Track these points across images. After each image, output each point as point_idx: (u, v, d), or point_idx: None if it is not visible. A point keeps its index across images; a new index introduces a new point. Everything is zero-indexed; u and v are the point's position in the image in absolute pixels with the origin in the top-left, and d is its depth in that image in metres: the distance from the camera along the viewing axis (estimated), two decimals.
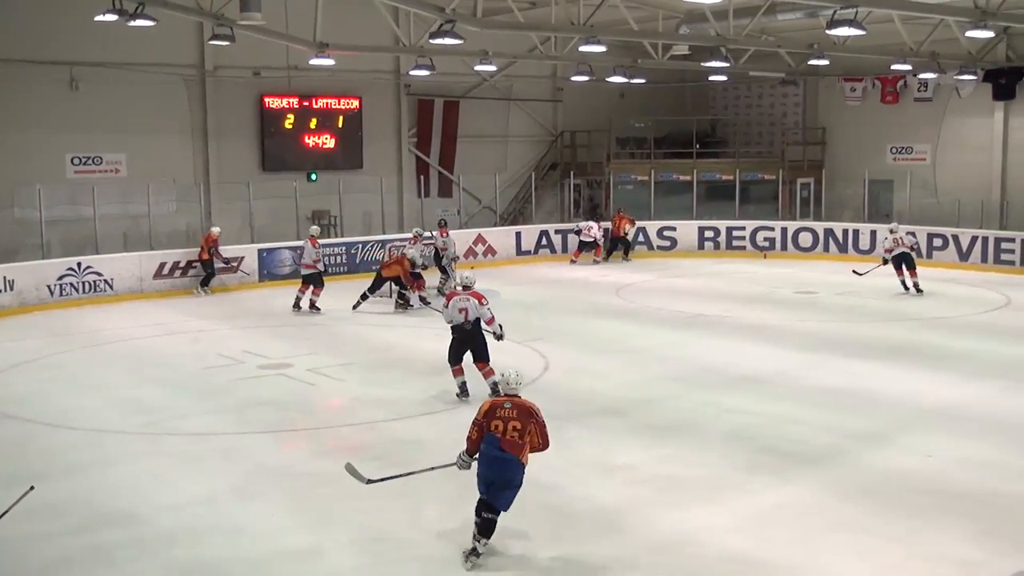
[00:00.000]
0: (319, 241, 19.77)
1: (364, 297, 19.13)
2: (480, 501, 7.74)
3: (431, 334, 16.73)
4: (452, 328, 12.44)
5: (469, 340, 12.39)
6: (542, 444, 7.86)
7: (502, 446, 7.71)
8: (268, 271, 22.91)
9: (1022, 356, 14.77)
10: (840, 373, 13.69)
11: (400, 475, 8.39)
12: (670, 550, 7.90)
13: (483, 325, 12.43)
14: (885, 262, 20.54)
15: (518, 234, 26.71)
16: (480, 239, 26.09)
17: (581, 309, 19.09)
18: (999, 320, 17.98)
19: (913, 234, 21.45)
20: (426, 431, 11.26)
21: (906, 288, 20.20)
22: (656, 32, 23.47)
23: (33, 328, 17.41)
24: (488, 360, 12.40)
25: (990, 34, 19.74)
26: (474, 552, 7.62)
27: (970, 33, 19.44)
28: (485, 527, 7.68)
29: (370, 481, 8.16)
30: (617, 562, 7.74)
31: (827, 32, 18.02)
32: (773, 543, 7.96)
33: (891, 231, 20.70)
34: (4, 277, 19.04)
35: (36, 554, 7.66)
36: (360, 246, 24.26)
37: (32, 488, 6.41)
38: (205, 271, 21.36)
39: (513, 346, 15.55)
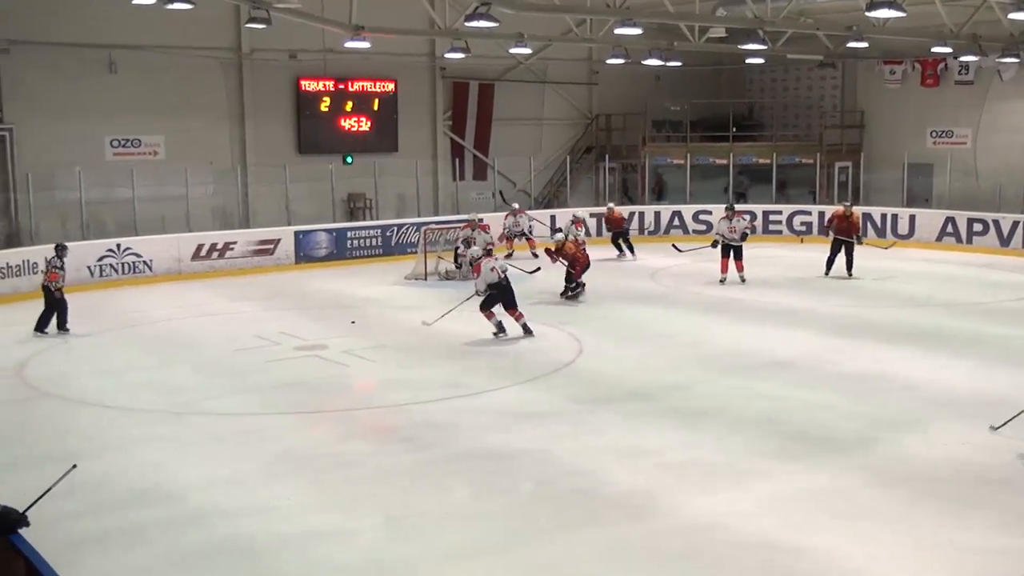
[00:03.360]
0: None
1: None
2: None
3: (461, 317, 16.79)
4: (489, 287, 14.92)
5: (503, 292, 14.96)
6: None
7: None
8: (304, 253, 23.07)
9: None
10: (872, 359, 13.60)
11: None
12: (698, 534, 7.90)
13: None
14: (715, 244, 20.22)
15: (552, 217, 26.65)
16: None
17: (615, 293, 19.06)
18: None
19: (749, 216, 21.91)
20: (455, 413, 11.32)
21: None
22: (692, 14, 23.25)
23: (73, 309, 17.60)
24: (517, 307, 15.16)
25: None
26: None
27: (1013, 15, 19.15)
28: None
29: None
30: (645, 546, 7.76)
31: (866, 14, 17.84)
32: (801, 529, 7.94)
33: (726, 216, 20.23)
34: (45, 258, 19.23)
35: (71, 532, 7.80)
36: (395, 229, 24.35)
37: (75, 466, 6.51)
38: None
39: (547, 330, 15.63)
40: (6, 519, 5.94)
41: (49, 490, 6.23)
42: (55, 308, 15.70)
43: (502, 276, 14.94)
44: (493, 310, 15.05)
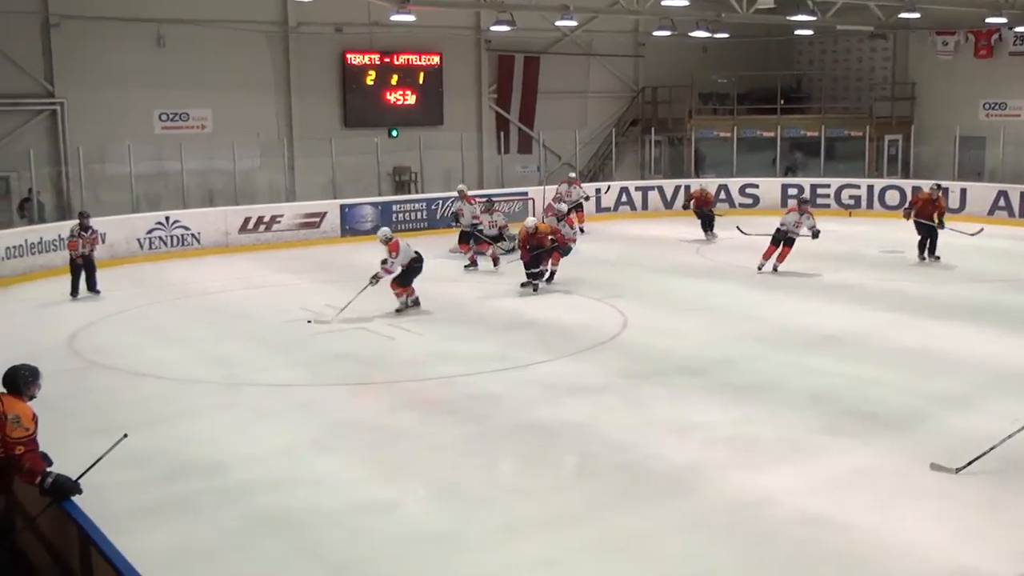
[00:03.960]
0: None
1: None
2: None
3: (505, 290, 16.82)
4: (411, 263, 15.33)
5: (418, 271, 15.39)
6: None
7: None
8: (350, 227, 23.15)
9: None
10: (924, 334, 13.41)
11: None
12: (745, 511, 7.85)
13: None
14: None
15: (598, 191, 26.54)
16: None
17: (661, 267, 18.97)
18: None
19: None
20: (501, 385, 11.33)
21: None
22: None
23: (123, 280, 17.84)
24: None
25: None
26: None
27: None
28: None
29: None
30: (690, 521, 7.72)
31: None
32: (851, 506, 7.86)
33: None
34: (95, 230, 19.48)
35: (121, 501, 7.90)
36: (440, 202, 24.34)
37: (125, 436, 6.59)
38: None
39: (592, 303, 15.60)
40: (60, 487, 6.05)
41: (100, 459, 6.31)
42: (77, 273, 16.54)
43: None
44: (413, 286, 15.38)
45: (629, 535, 7.52)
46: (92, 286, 16.69)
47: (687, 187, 27.10)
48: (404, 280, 15.30)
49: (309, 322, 14.47)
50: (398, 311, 15.17)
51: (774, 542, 7.35)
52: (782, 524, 7.59)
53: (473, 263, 19.06)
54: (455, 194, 20.92)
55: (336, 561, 7.23)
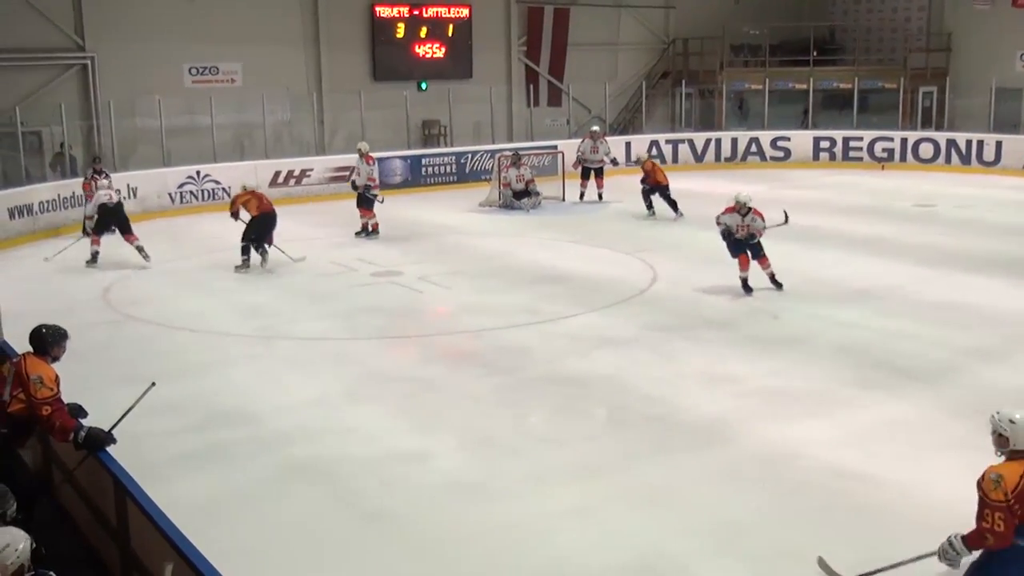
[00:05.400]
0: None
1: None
2: None
3: (536, 243, 16.84)
4: (102, 211, 15.56)
5: (118, 219, 15.64)
6: None
7: None
8: (380, 180, 23.10)
9: None
10: (957, 288, 13.31)
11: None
12: (776, 462, 7.88)
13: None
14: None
15: (628, 144, 26.33)
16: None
17: (689, 220, 18.84)
18: None
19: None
20: (531, 338, 11.38)
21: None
22: None
23: (155, 234, 17.90)
24: (133, 231, 15.92)
25: None
26: None
27: None
28: None
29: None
30: (721, 473, 7.76)
31: None
32: (881, 458, 7.86)
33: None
34: (128, 184, 19.63)
35: (157, 450, 8.02)
36: (469, 156, 24.29)
37: (153, 384, 6.66)
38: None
39: (622, 256, 15.58)
40: (93, 439, 6.16)
41: (131, 409, 6.40)
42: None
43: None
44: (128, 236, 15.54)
45: (660, 485, 7.57)
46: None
47: (718, 140, 26.94)
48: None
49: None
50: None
51: (805, 493, 7.38)
52: (813, 475, 7.61)
53: (364, 230, 17.71)
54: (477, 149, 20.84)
55: (369, 509, 7.33)
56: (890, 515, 7.00)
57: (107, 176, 17.59)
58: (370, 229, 17.74)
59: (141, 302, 13.50)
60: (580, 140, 22.32)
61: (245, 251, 15.08)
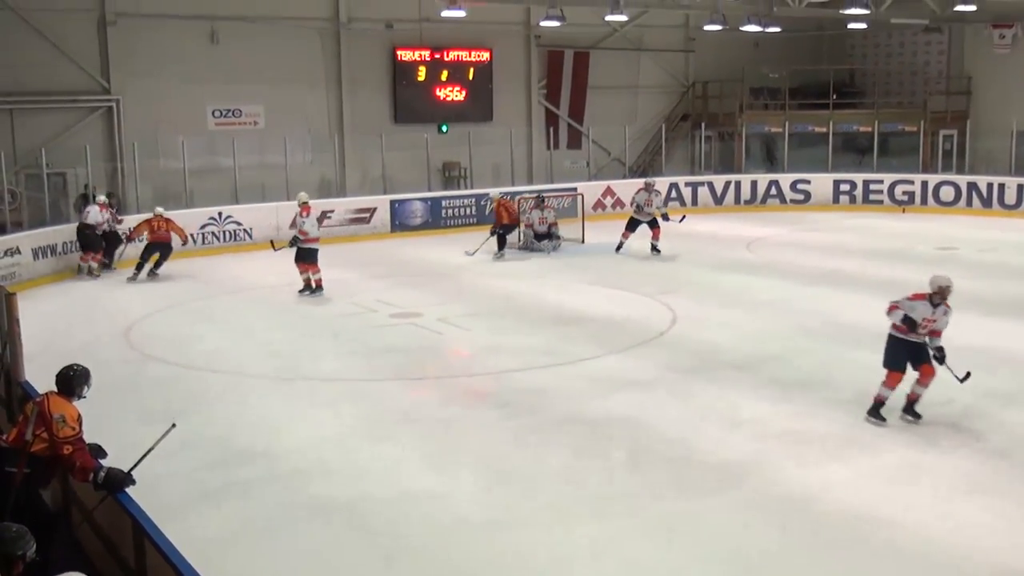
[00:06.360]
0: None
1: None
2: None
3: (555, 285, 16.87)
4: None
5: None
6: None
7: None
8: (400, 222, 23.29)
9: None
10: (979, 332, 13.16)
11: None
12: (796, 506, 7.81)
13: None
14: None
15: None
16: (609, 191, 25.92)
17: (710, 263, 18.87)
18: None
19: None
20: (550, 380, 11.34)
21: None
22: None
23: (177, 275, 18.09)
24: None
25: None
26: None
27: None
28: None
29: None
30: (740, 512, 7.70)
31: None
32: (902, 503, 7.79)
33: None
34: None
35: (175, 489, 8.03)
36: (489, 199, 24.35)
37: (174, 426, 6.67)
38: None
39: (641, 299, 15.57)
40: (112, 480, 6.16)
41: (151, 450, 6.41)
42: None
43: None
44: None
45: (678, 522, 7.55)
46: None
47: (738, 183, 26.98)
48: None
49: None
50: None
51: (825, 536, 7.31)
52: (833, 519, 7.54)
53: (307, 286, 16.21)
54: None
55: (387, 546, 7.30)
56: (911, 560, 6.93)
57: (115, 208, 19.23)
58: (314, 286, 16.28)
59: (164, 342, 13.56)
60: (636, 191, 20.68)
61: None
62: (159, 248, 17.96)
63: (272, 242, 17.58)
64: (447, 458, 9.03)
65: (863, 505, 7.73)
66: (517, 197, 22.18)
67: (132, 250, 18.55)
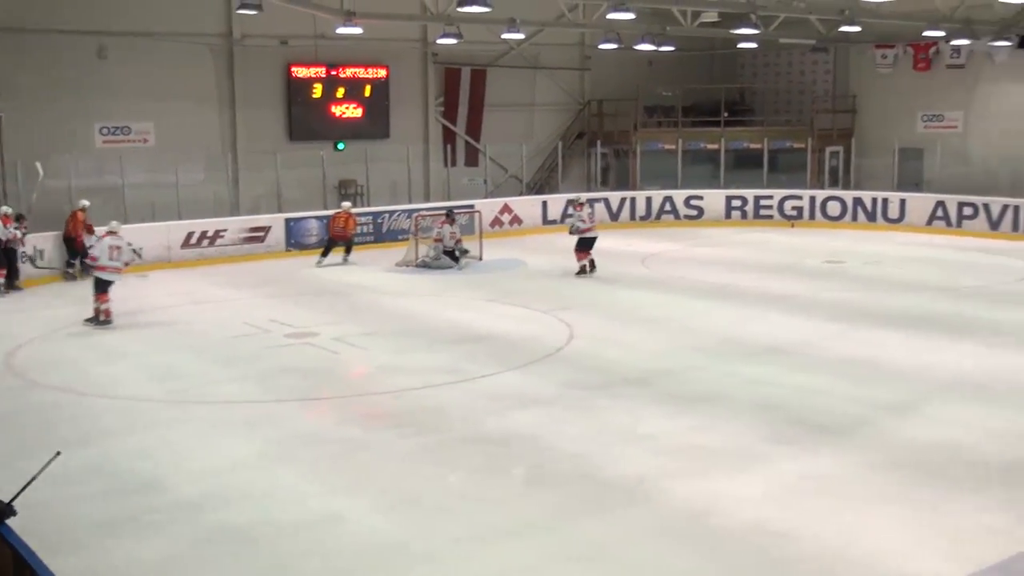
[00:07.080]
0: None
1: None
2: None
3: (453, 303, 16.84)
4: None
5: None
6: None
7: None
8: (295, 240, 22.99)
9: None
10: (867, 343, 13.61)
11: None
12: (694, 519, 7.88)
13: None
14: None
15: (544, 203, 26.62)
16: (506, 208, 26.04)
17: (606, 279, 19.04)
18: None
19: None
20: (450, 399, 11.29)
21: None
22: None
23: (62, 296, 17.54)
24: None
25: None
26: None
27: None
28: None
29: None
30: (641, 530, 7.74)
31: None
32: (798, 514, 7.93)
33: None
34: (34, 246, 19.20)
35: (68, 517, 7.75)
36: (387, 215, 24.28)
37: (58, 453, 6.40)
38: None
39: (538, 315, 15.62)
40: None
41: (33, 479, 6.15)
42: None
43: None
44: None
45: (589, 543, 7.52)
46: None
47: (632, 199, 27.34)
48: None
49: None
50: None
51: (722, 551, 7.38)
52: (731, 532, 7.63)
53: (96, 316, 15.31)
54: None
55: (293, 572, 7.14)
56: (810, 569, 7.04)
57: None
58: (101, 317, 15.34)
59: (49, 367, 13.10)
60: (568, 214, 20.64)
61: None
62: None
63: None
64: (350, 481, 8.88)
65: (763, 517, 7.83)
66: (415, 215, 22.09)
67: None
